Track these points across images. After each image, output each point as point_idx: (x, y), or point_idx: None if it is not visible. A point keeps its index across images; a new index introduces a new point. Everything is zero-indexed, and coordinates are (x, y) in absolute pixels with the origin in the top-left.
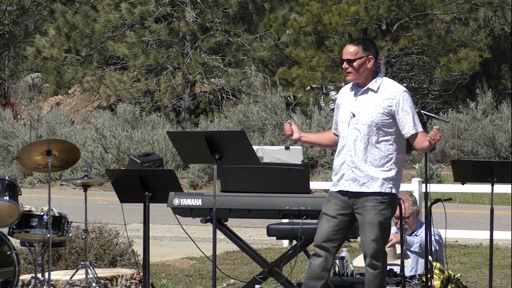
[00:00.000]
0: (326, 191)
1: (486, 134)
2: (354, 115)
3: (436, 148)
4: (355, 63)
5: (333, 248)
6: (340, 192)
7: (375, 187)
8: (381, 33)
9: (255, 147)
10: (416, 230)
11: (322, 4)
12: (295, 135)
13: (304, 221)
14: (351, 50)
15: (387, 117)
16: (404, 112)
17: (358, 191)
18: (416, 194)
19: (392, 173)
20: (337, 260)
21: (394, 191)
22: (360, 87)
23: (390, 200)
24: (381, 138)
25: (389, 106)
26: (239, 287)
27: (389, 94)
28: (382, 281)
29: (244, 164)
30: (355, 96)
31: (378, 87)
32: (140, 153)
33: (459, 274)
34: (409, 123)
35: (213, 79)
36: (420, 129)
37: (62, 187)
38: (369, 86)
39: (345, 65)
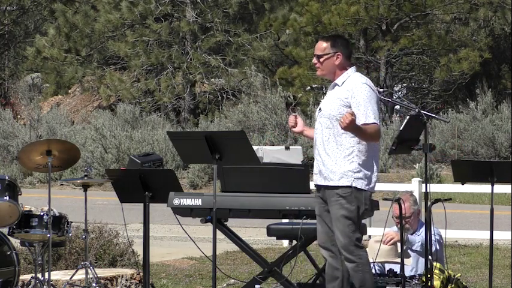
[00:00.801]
0: None
1: (486, 134)
2: (320, 109)
3: (436, 148)
4: (322, 59)
5: (334, 246)
6: (315, 186)
7: (335, 180)
8: (381, 33)
9: (255, 147)
10: (417, 230)
11: (322, 4)
12: (298, 128)
13: (304, 221)
14: (320, 46)
15: (345, 108)
16: (357, 103)
17: (322, 184)
18: (416, 194)
19: (353, 166)
20: None
21: (356, 184)
22: (331, 83)
23: (353, 194)
24: (341, 131)
25: (346, 98)
26: (239, 287)
27: (349, 87)
28: (364, 273)
29: (244, 164)
30: (327, 92)
31: (343, 82)
32: (140, 153)
33: (459, 274)
34: (360, 114)
35: (213, 79)
36: (371, 121)
37: (62, 187)
38: (336, 81)
39: (314, 60)
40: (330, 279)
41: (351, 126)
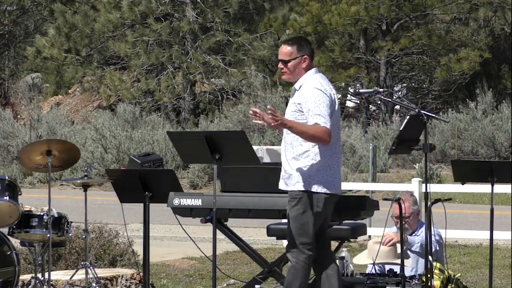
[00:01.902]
0: None
1: (486, 134)
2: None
3: (436, 148)
4: (290, 64)
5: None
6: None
7: (290, 185)
8: (381, 33)
9: (255, 147)
10: (416, 230)
11: (322, 4)
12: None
13: None
14: (285, 51)
15: (299, 113)
16: (307, 108)
17: (284, 189)
18: (416, 194)
19: (307, 169)
20: (337, 260)
21: (311, 187)
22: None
23: (304, 197)
24: (296, 136)
25: (299, 104)
26: (239, 287)
27: (302, 91)
28: (294, 277)
29: (244, 164)
30: (290, 98)
31: (300, 86)
32: (140, 153)
33: (459, 274)
34: (309, 118)
35: (213, 79)
36: (315, 121)
37: (62, 187)
38: (295, 85)
39: (280, 65)
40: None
41: (284, 125)
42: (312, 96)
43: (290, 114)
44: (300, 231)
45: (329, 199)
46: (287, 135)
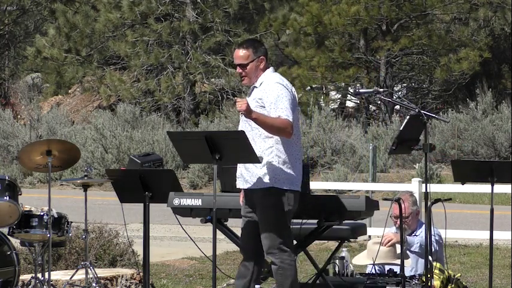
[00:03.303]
0: (326, 191)
1: (486, 134)
2: (242, 113)
3: (436, 148)
4: (248, 67)
5: (252, 247)
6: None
7: (256, 183)
8: (381, 33)
9: None
10: (416, 230)
11: (322, 4)
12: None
13: (304, 221)
14: (241, 55)
15: (261, 109)
16: (270, 102)
17: (244, 187)
18: (416, 194)
19: (273, 167)
20: (337, 260)
21: (277, 185)
22: (252, 85)
23: (274, 195)
24: (260, 133)
25: (260, 99)
26: None
27: (264, 87)
28: (284, 277)
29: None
30: (249, 95)
31: (261, 83)
32: (140, 153)
33: (459, 274)
34: (271, 111)
35: (213, 79)
36: (278, 114)
37: (62, 187)
38: (255, 83)
39: (238, 69)
40: (240, 276)
41: (250, 112)
42: (274, 90)
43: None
44: (277, 231)
45: (297, 196)
46: (250, 132)
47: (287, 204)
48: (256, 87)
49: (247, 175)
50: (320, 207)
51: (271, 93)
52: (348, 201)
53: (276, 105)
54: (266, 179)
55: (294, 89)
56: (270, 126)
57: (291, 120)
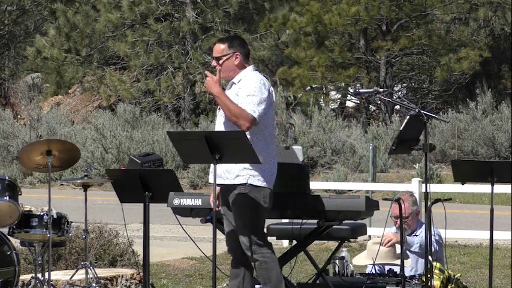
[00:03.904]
0: (326, 191)
1: (486, 134)
2: (219, 109)
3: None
4: (221, 61)
5: (238, 244)
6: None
7: (230, 179)
8: (381, 33)
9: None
10: (415, 230)
11: (322, 4)
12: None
13: (304, 221)
14: (217, 48)
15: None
16: (243, 93)
17: (218, 183)
18: (416, 194)
19: (247, 164)
20: (337, 260)
21: (251, 181)
22: (229, 82)
23: (250, 192)
24: (235, 128)
25: (237, 94)
26: None
27: (241, 84)
28: (268, 271)
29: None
30: (226, 90)
31: (239, 80)
32: (140, 153)
33: (459, 274)
34: (242, 99)
35: None
36: (245, 107)
37: (62, 187)
38: (233, 79)
39: (213, 62)
40: (233, 276)
41: (215, 89)
42: (251, 86)
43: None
44: (253, 227)
45: (272, 195)
46: (219, 120)
47: (263, 202)
48: (235, 83)
49: (221, 170)
50: (320, 207)
51: (248, 88)
52: (348, 201)
53: (247, 99)
54: (241, 176)
55: (272, 89)
56: (228, 109)
57: (255, 116)
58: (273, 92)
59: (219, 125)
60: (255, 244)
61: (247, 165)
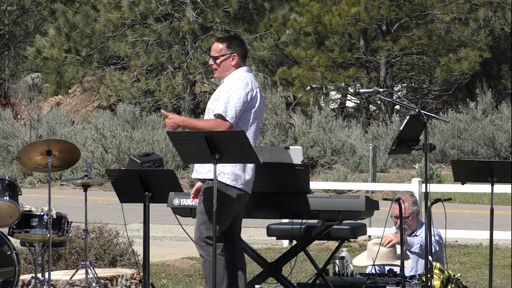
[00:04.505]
0: (326, 191)
1: (486, 134)
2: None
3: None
4: (218, 60)
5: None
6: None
7: (203, 173)
8: (381, 33)
9: (255, 147)
10: (416, 230)
11: (322, 4)
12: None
13: (304, 221)
14: (215, 48)
15: (217, 102)
16: (222, 96)
17: (193, 177)
18: (416, 194)
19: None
20: (337, 260)
21: (221, 178)
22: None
23: (219, 190)
24: None
25: (218, 91)
26: None
27: (226, 82)
28: (209, 270)
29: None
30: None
31: (227, 78)
32: (140, 153)
33: (459, 274)
34: (219, 105)
35: (213, 79)
36: (220, 112)
37: (62, 187)
38: (224, 79)
39: (210, 61)
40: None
41: (178, 121)
42: (229, 86)
43: (210, 103)
44: (208, 225)
45: (241, 196)
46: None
47: (227, 201)
48: (224, 81)
49: (197, 164)
50: (320, 207)
51: (225, 89)
52: (348, 201)
53: (226, 102)
54: (211, 171)
55: (256, 90)
56: (202, 128)
57: (231, 123)
58: (258, 94)
59: None
60: (204, 242)
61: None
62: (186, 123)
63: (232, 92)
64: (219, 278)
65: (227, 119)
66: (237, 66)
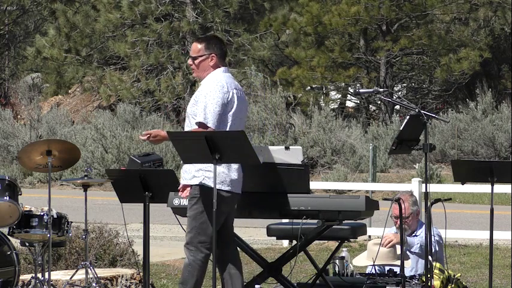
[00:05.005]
0: (326, 191)
1: (486, 134)
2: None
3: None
4: (196, 61)
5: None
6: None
7: (187, 179)
8: (381, 33)
9: (255, 147)
10: (416, 230)
11: (322, 4)
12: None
13: (304, 221)
14: (194, 48)
15: (196, 107)
16: (200, 101)
17: (182, 183)
18: (416, 194)
19: (205, 164)
20: (337, 260)
21: (206, 182)
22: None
23: (202, 194)
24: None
25: (196, 96)
26: None
27: (202, 85)
28: (189, 275)
29: (244, 164)
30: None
31: (204, 82)
32: (140, 153)
33: (459, 274)
34: (198, 112)
35: None
36: (201, 119)
37: (62, 187)
38: (202, 81)
39: (189, 61)
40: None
41: (162, 135)
42: (206, 91)
43: (189, 107)
44: (199, 230)
45: (230, 198)
46: (186, 123)
47: (215, 204)
48: (201, 84)
49: (182, 170)
50: (320, 207)
51: (202, 94)
52: (348, 201)
53: (205, 109)
54: (196, 177)
55: (235, 91)
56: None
57: (213, 128)
58: (235, 95)
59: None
60: (194, 246)
61: (203, 166)
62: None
63: (208, 96)
64: (198, 284)
65: (209, 125)
66: (215, 67)
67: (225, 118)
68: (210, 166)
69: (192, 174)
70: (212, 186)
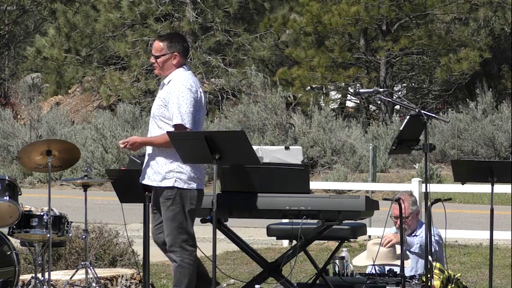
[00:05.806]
0: (326, 191)
1: (486, 134)
2: (150, 109)
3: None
4: (159, 59)
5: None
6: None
7: (157, 181)
8: (381, 33)
9: (255, 147)
10: (415, 230)
11: (322, 4)
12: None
13: (304, 221)
14: (157, 46)
15: (164, 108)
16: (172, 104)
17: (147, 183)
18: (416, 194)
19: (174, 165)
20: (337, 260)
21: (178, 184)
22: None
23: (177, 195)
24: (164, 131)
25: (164, 98)
26: (239, 287)
27: (169, 87)
28: (182, 275)
29: (244, 164)
30: (160, 89)
31: (169, 81)
32: (140, 153)
33: (459, 274)
34: (174, 114)
35: (213, 79)
36: (178, 121)
37: (62, 187)
38: (165, 80)
39: (152, 59)
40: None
41: (139, 141)
42: (177, 92)
43: (156, 109)
44: (179, 229)
45: (200, 195)
46: (150, 126)
47: (189, 204)
48: (165, 84)
49: (150, 171)
50: (320, 207)
51: (174, 95)
52: (347, 201)
53: (178, 110)
54: (168, 179)
55: (200, 89)
56: (164, 143)
57: (190, 127)
58: (202, 93)
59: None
60: (179, 247)
61: (173, 167)
62: (147, 141)
63: (181, 97)
64: (191, 282)
65: (186, 126)
66: (178, 65)
67: (197, 117)
68: (181, 167)
69: (162, 175)
70: (186, 187)
